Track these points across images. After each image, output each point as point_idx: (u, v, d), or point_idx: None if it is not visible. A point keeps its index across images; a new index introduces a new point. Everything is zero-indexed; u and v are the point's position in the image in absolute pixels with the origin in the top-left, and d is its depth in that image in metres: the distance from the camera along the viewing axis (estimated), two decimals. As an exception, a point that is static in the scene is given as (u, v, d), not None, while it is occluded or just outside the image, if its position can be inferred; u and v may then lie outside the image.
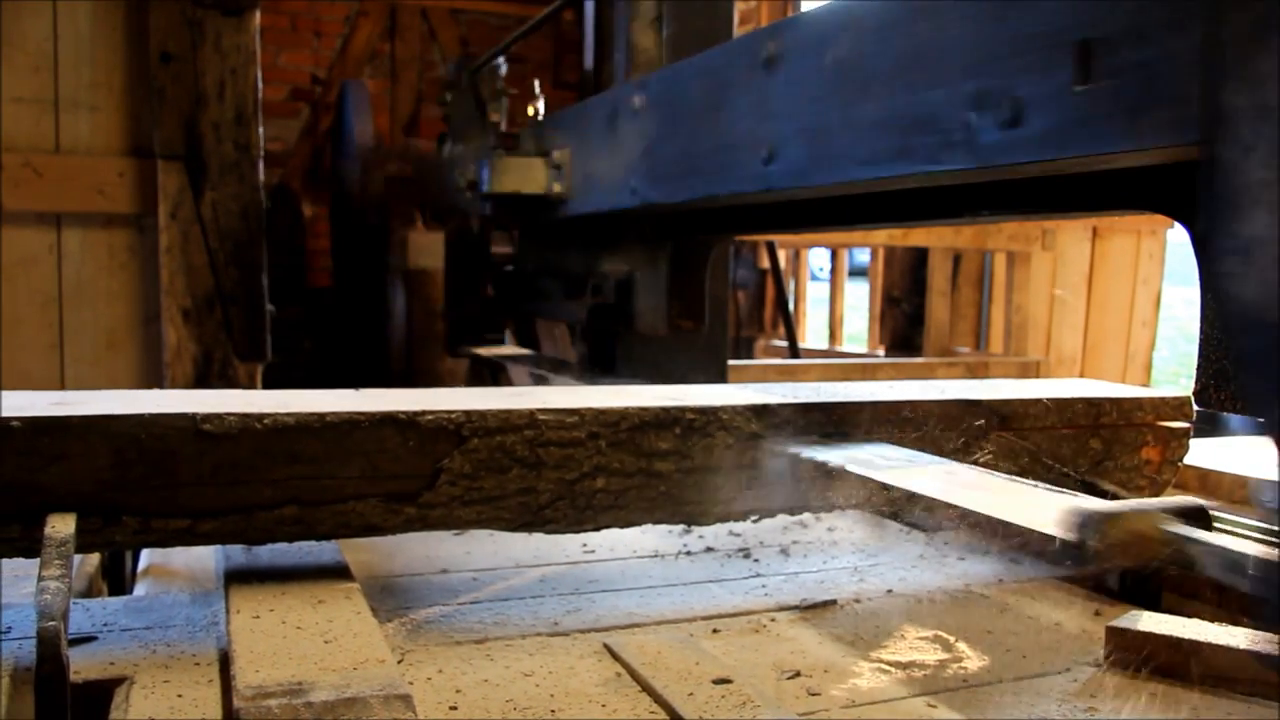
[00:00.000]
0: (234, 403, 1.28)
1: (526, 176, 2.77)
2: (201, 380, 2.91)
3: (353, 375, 5.50)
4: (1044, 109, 1.17)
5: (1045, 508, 1.18)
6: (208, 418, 1.22)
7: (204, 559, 1.58)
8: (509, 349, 4.46)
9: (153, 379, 2.95)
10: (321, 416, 1.26)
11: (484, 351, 4.33)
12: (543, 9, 4.34)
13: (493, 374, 5.26)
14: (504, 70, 3.87)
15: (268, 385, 2.88)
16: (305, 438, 1.25)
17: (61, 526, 1.14)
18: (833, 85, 1.54)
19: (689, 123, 2.01)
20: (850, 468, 1.38)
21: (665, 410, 1.39)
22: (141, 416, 1.20)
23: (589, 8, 4.27)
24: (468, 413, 1.31)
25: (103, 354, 2.98)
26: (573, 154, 2.70)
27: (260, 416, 1.24)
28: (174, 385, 2.84)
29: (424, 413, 1.29)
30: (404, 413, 1.29)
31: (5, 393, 1.33)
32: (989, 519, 1.17)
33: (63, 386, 2.88)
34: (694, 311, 2.63)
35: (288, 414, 1.25)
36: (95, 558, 1.56)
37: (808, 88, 1.60)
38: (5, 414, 1.16)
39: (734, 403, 1.44)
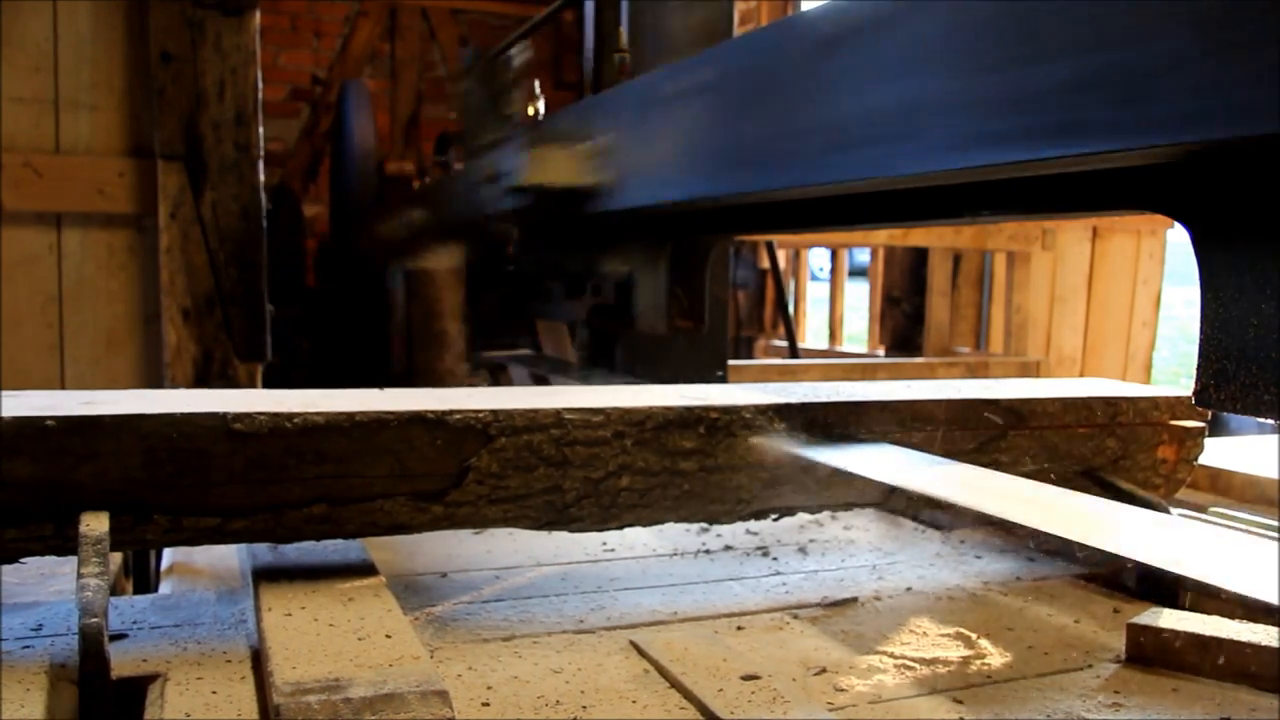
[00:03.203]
0: (263, 402, 1.29)
1: (558, 168, 2.49)
2: (201, 380, 2.91)
3: (352, 375, 5.50)
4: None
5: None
6: (239, 417, 1.23)
7: (226, 557, 1.59)
8: (512, 350, 4.46)
9: (153, 379, 2.94)
10: (351, 416, 1.27)
11: (489, 353, 4.34)
12: (543, 9, 4.34)
13: (493, 374, 5.27)
14: (521, 60, 3.69)
15: (268, 385, 2.89)
16: (334, 437, 1.26)
17: (96, 524, 1.15)
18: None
19: (758, 104, 1.71)
20: (871, 472, 1.39)
21: (689, 410, 1.41)
22: (173, 416, 1.21)
23: (589, 8, 4.27)
24: (495, 412, 1.32)
25: (103, 354, 2.98)
26: (613, 143, 2.37)
27: (290, 416, 1.25)
28: (174, 385, 2.84)
29: (452, 412, 1.30)
30: (432, 412, 1.30)
31: (31, 393, 1.34)
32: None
33: (63, 386, 2.88)
34: (694, 311, 2.64)
35: (317, 413, 1.26)
36: (118, 556, 1.57)
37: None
38: (37, 414, 1.17)
39: (756, 402, 1.45)
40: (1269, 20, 0.91)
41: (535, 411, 1.34)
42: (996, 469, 1.53)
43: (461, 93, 3.86)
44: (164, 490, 1.21)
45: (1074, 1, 1.11)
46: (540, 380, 3.60)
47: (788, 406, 1.47)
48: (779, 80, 1.65)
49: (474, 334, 4.37)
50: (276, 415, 1.24)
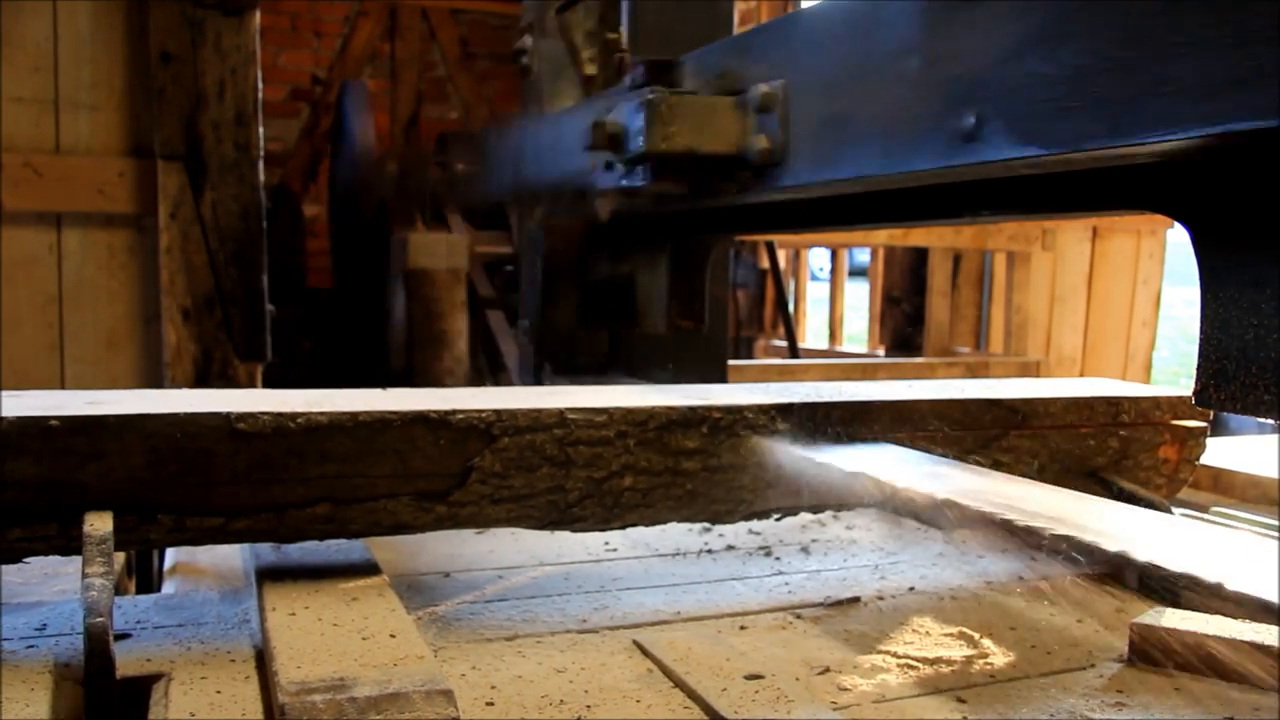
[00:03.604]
0: (266, 402, 1.29)
1: (709, 127, 1.75)
2: (201, 380, 2.91)
3: (352, 375, 5.51)
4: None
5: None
6: (242, 417, 1.23)
7: (229, 557, 1.59)
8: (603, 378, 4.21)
9: (153, 379, 2.95)
10: (354, 416, 1.27)
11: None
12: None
13: (493, 374, 5.28)
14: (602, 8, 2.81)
15: (268, 385, 2.89)
16: (338, 437, 1.26)
17: (100, 524, 1.15)
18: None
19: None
20: (872, 472, 1.39)
21: (692, 409, 1.41)
22: (177, 415, 1.21)
23: (589, 7, 4.21)
24: (498, 412, 1.32)
25: (103, 354, 2.98)
26: (792, 90, 1.64)
27: (294, 416, 1.25)
28: (174, 385, 2.85)
29: (455, 412, 1.30)
30: (435, 412, 1.30)
31: (34, 393, 1.34)
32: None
33: (63, 386, 2.89)
34: (694, 311, 2.64)
35: (321, 413, 1.26)
36: (121, 556, 1.57)
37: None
38: (42, 413, 1.17)
39: (758, 402, 1.46)
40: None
41: (538, 411, 1.34)
42: (999, 469, 1.54)
43: (527, 50, 2.95)
44: (168, 490, 1.21)
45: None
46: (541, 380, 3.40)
47: (790, 406, 1.47)
48: None
49: (542, 354, 3.03)
50: (280, 415, 1.24)
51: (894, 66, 1.38)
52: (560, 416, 1.35)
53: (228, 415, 1.23)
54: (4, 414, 1.15)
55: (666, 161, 1.80)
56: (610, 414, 1.37)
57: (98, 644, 0.97)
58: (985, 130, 1.22)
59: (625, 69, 2.36)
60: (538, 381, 2.99)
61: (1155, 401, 1.65)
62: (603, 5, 2.79)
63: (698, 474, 1.42)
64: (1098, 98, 1.06)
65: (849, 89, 1.51)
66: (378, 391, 1.43)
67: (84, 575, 1.06)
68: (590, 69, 2.71)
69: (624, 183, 1.96)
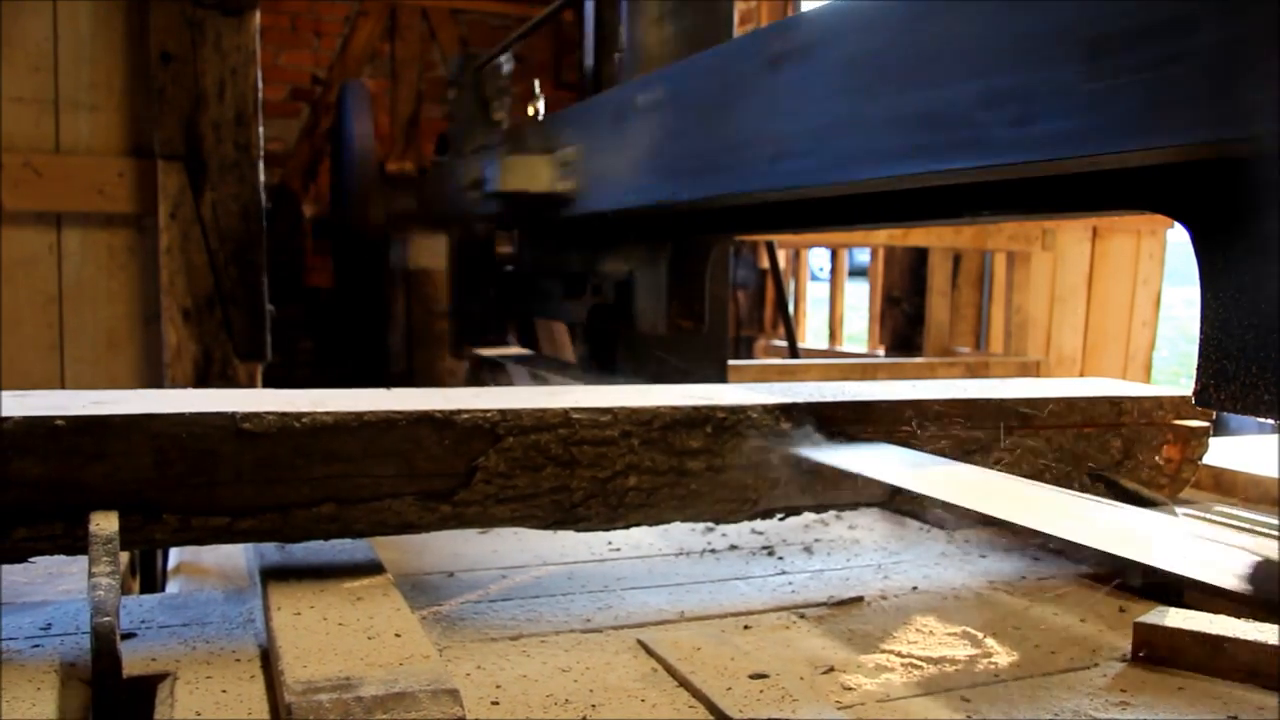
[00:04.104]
0: (272, 402, 1.29)
1: (533, 175, 2.70)
2: (201, 380, 2.91)
3: (352, 375, 5.51)
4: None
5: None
6: (247, 416, 1.23)
7: (233, 556, 1.59)
8: (510, 349, 4.45)
9: (153, 379, 2.95)
10: (359, 415, 1.27)
11: (487, 352, 4.33)
12: (543, 9, 4.35)
13: (493, 374, 5.27)
14: (509, 68, 3.86)
15: (268, 385, 2.89)
16: (343, 436, 1.27)
17: (106, 524, 1.15)
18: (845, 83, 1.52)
19: (702, 119, 1.96)
20: (875, 473, 1.39)
21: (696, 409, 1.41)
22: (182, 415, 1.21)
23: (589, 7, 4.26)
24: (503, 412, 1.32)
25: (103, 354, 2.98)
26: (580, 152, 2.62)
27: (299, 415, 1.25)
28: (174, 385, 2.85)
29: (459, 411, 1.31)
30: (440, 411, 1.30)
31: (38, 392, 1.34)
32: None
33: (63, 386, 2.88)
34: (694, 311, 2.64)
35: (326, 413, 1.26)
36: (125, 555, 1.57)
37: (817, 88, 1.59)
38: (47, 413, 1.17)
39: (762, 401, 1.46)
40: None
41: (543, 411, 1.34)
42: (1002, 468, 1.54)
43: (451, 100, 3.97)
44: (173, 490, 1.22)
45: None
46: (540, 380, 3.60)
47: (794, 406, 1.47)
48: (730, 96, 1.82)
49: (461, 331, 4.55)
50: (285, 415, 1.25)
51: (616, 147, 2.35)
52: (565, 416, 1.35)
53: (233, 415, 1.23)
54: (10, 414, 1.15)
55: (506, 196, 2.79)
56: (615, 414, 1.37)
57: (105, 643, 0.97)
58: (649, 188, 2.21)
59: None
60: (457, 351, 4.50)
61: (1158, 401, 1.65)
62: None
63: (702, 474, 1.42)
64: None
65: (602, 155, 2.46)
66: (382, 391, 1.43)
67: (90, 575, 1.06)
68: (500, 115, 3.69)
69: (489, 210, 3.03)
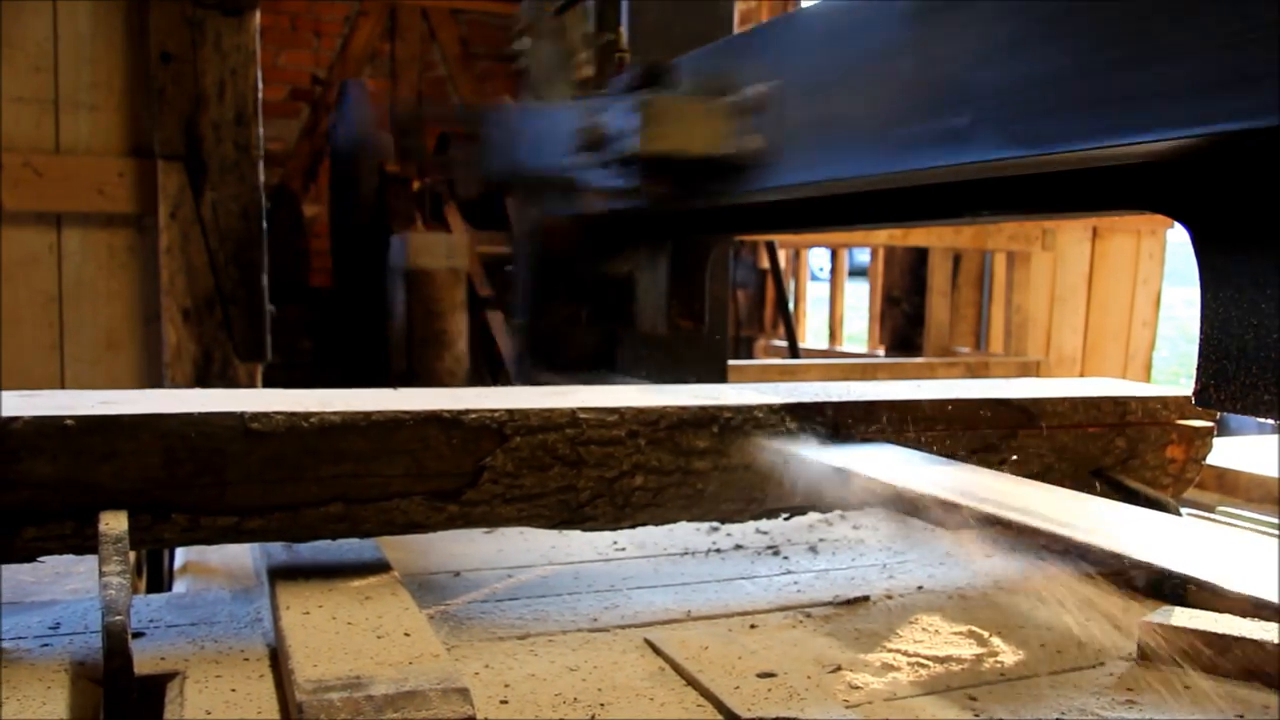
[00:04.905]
0: (280, 402, 1.30)
1: (697, 129, 1.76)
2: (201, 380, 2.91)
3: (352, 375, 5.51)
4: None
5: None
6: (256, 416, 1.23)
7: (239, 556, 1.59)
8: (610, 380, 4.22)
9: (153, 379, 2.95)
10: (367, 415, 1.27)
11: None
12: (547, 7, 4.33)
13: (493, 374, 5.27)
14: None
15: (268, 385, 2.89)
16: (351, 436, 1.27)
17: (115, 523, 1.15)
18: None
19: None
20: (879, 473, 1.39)
21: (703, 409, 1.41)
22: (191, 415, 1.21)
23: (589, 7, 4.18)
24: (510, 411, 1.32)
25: (103, 354, 2.98)
26: (782, 92, 1.63)
27: (307, 415, 1.25)
28: (174, 385, 2.85)
29: (468, 411, 1.31)
30: (448, 411, 1.30)
31: (44, 392, 1.34)
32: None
33: (63, 386, 2.88)
34: (694, 311, 2.64)
35: (334, 413, 1.26)
36: (131, 554, 1.57)
37: None
38: (56, 413, 1.18)
39: (768, 402, 1.46)
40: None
41: (550, 411, 1.35)
42: (1006, 469, 1.54)
43: (523, 52, 2.96)
44: (182, 489, 1.22)
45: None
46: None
47: (800, 406, 1.47)
48: None
49: (537, 351, 3.06)
50: (294, 415, 1.25)
51: (882, 67, 1.40)
52: (572, 416, 1.35)
53: (242, 415, 1.23)
54: (20, 414, 1.15)
55: (656, 162, 1.80)
56: (621, 414, 1.37)
57: (117, 642, 0.98)
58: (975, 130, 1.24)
59: (624, 69, 2.41)
60: (527, 379, 2.98)
61: (1162, 401, 1.66)
62: (600, 7, 2.80)
63: (708, 474, 1.42)
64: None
65: (833, 94, 1.52)
66: (388, 391, 1.43)
67: (101, 574, 1.06)
68: (586, 71, 2.72)
69: (615, 182, 1.96)
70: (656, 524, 1.45)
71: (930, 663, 1.27)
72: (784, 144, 1.63)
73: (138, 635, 1.25)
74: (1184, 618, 1.27)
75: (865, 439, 1.51)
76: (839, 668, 1.24)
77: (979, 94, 1.22)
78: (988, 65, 1.21)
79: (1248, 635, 1.21)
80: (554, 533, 1.47)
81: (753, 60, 1.74)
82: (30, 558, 1.20)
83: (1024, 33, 1.15)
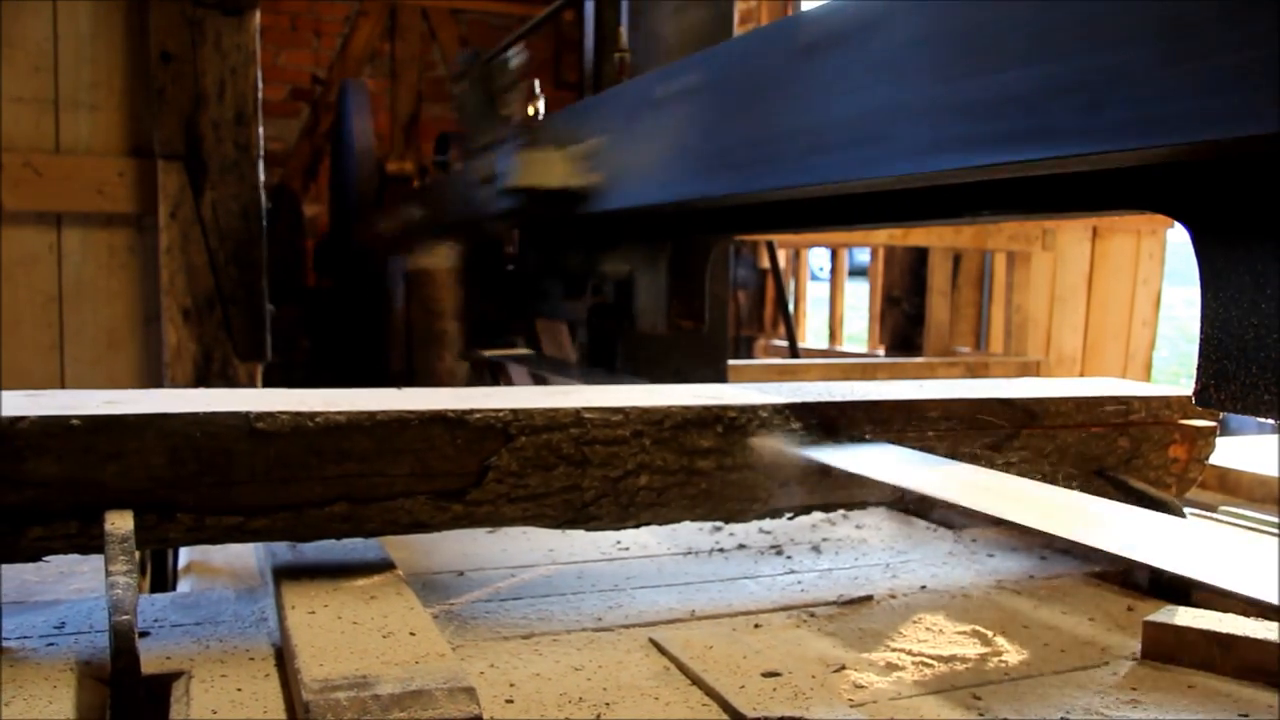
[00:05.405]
0: (285, 401, 1.30)
1: (549, 170, 2.51)
2: (201, 380, 2.91)
3: (352, 375, 5.51)
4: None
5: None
6: (261, 416, 1.23)
7: (243, 555, 1.59)
8: (512, 350, 4.45)
9: (153, 379, 2.95)
10: (372, 415, 1.27)
11: (489, 353, 4.34)
12: (543, 9, 4.35)
13: (493, 374, 5.27)
14: (518, 61, 3.75)
15: (268, 385, 2.89)
16: (356, 436, 1.27)
17: (121, 523, 1.16)
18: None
19: (742, 108, 1.72)
20: (881, 473, 1.40)
21: (707, 409, 1.41)
22: (196, 415, 1.21)
23: (589, 7, 4.26)
24: (515, 411, 1.33)
25: (103, 354, 2.98)
26: (603, 145, 2.38)
27: (312, 415, 1.25)
28: (174, 385, 2.85)
29: (472, 411, 1.31)
30: (453, 411, 1.30)
31: (50, 392, 1.34)
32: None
33: (63, 386, 2.88)
34: (694, 311, 2.64)
35: (339, 412, 1.27)
36: (135, 554, 1.57)
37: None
38: (61, 413, 1.18)
39: (773, 401, 1.46)
40: (1221, 31, 0.93)
41: (555, 411, 1.35)
42: (1009, 468, 1.54)
43: (458, 94, 3.87)
44: (187, 489, 1.22)
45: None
46: (540, 380, 3.60)
47: (803, 406, 1.48)
48: (764, 85, 1.65)
49: (471, 333, 4.52)
50: (299, 414, 1.25)
51: (651, 137, 2.08)
52: (577, 416, 1.35)
53: (247, 414, 1.23)
54: (25, 414, 1.15)
55: (526, 191, 2.57)
56: (626, 413, 1.37)
57: (125, 642, 0.98)
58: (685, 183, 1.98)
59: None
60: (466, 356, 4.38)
61: (1165, 401, 1.66)
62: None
63: (713, 473, 1.42)
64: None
65: (634, 147, 2.19)
66: (393, 391, 1.44)
67: (108, 573, 1.07)
68: (509, 110, 3.47)
69: (504, 206, 2.82)
70: (661, 524, 1.45)
71: (934, 662, 1.27)
72: (609, 179, 2.34)
73: (143, 635, 1.25)
74: (1187, 617, 1.28)
75: (869, 439, 1.51)
76: (843, 667, 1.25)
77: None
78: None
79: (1251, 635, 1.22)
80: (556, 532, 1.47)
81: (591, 122, 2.46)
82: (35, 557, 1.20)
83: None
